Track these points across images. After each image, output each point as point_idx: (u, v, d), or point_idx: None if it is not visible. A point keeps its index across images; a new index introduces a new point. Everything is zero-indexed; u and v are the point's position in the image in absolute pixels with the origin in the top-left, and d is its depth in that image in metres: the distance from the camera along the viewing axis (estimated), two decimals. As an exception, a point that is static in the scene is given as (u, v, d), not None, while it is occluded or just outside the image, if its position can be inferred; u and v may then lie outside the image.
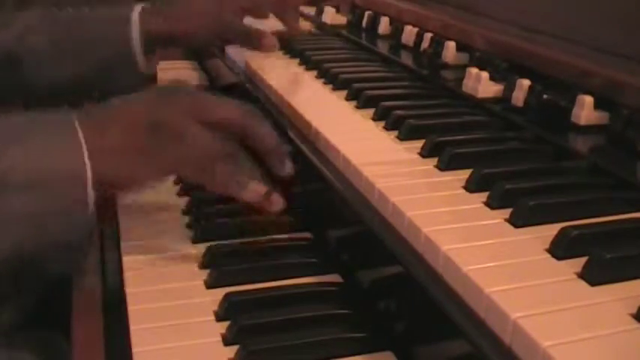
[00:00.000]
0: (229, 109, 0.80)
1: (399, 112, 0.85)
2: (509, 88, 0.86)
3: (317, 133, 0.84)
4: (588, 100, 0.76)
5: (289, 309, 0.71)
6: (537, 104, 0.81)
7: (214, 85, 1.39)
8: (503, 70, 0.90)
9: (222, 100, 0.81)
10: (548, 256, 0.56)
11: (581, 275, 0.53)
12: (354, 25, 1.36)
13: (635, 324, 0.48)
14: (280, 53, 1.20)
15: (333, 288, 0.77)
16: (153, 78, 1.20)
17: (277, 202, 0.80)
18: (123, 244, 0.83)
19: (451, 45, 1.03)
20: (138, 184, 0.81)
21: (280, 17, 1.24)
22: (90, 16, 1.20)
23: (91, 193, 0.74)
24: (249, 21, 1.20)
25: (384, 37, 1.26)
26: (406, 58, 1.12)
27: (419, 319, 0.66)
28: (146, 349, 0.66)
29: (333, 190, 0.77)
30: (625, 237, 0.58)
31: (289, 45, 1.21)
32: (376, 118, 0.87)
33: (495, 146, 0.77)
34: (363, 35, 1.30)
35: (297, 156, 0.86)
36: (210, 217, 0.89)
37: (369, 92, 0.93)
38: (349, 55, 1.19)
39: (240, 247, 0.83)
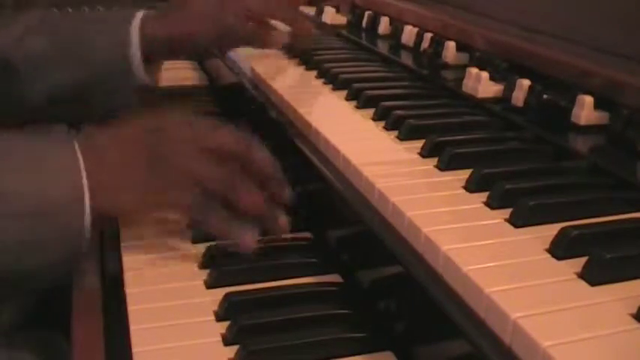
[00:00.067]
0: (228, 138, 0.81)
1: (399, 112, 0.85)
2: (509, 88, 0.86)
3: (317, 133, 0.84)
4: (588, 100, 0.76)
5: (289, 309, 0.71)
6: (537, 104, 0.81)
7: (214, 85, 1.39)
8: (503, 70, 0.90)
9: (220, 129, 0.83)
10: (548, 256, 0.56)
11: (581, 275, 0.53)
12: (354, 25, 1.36)
13: (635, 324, 0.48)
14: (280, 53, 1.20)
15: (333, 288, 0.77)
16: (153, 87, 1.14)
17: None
18: (123, 244, 0.83)
19: (451, 45, 1.03)
20: (135, 217, 0.82)
21: (287, 19, 1.19)
22: (90, 18, 1.18)
23: (87, 224, 0.74)
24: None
25: (384, 37, 1.25)
26: (406, 58, 1.12)
27: (419, 319, 0.66)
28: (146, 349, 0.66)
29: (333, 190, 0.77)
30: (625, 237, 0.58)
31: (290, 45, 1.20)
32: (376, 118, 0.87)
33: (495, 146, 0.77)
34: (363, 35, 1.30)
35: (297, 156, 0.86)
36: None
37: (369, 92, 0.93)
38: (349, 55, 1.19)
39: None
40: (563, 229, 0.57)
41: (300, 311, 0.71)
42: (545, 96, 0.81)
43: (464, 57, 1.02)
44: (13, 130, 0.83)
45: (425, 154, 0.76)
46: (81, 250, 0.75)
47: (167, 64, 1.33)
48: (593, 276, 0.52)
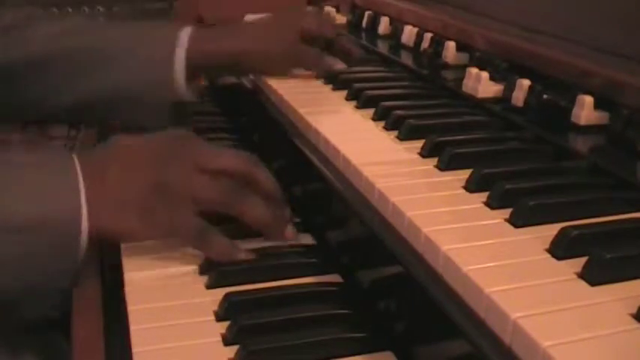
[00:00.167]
0: (230, 159, 0.81)
1: (399, 112, 0.85)
2: (509, 88, 0.86)
3: (317, 133, 0.84)
4: (588, 100, 0.76)
5: (289, 309, 0.71)
6: (537, 104, 0.81)
7: (214, 85, 1.39)
8: (503, 70, 0.90)
9: (222, 150, 0.84)
10: (548, 256, 0.56)
11: (581, 275, 0.53)
12: (354, 25, 1.36)
13: (635, 324, 0.48)
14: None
15: (333, 288, 0.77)
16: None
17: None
18: (123, 244, 0.83)
19: (451, 45, 1.03)
20: (136, 240, 0.80)
21: (336, 38, 1.14)
22: (137, 28, 1.12)
23: (84, 243, 0.74)
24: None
25: (384, 37, 1.26)
26: (406, 58, 1.12)
27: (419, 319, 0.66)
28: (146, 349, 0.66)
29: (333, 190, 0.77)
30: (625, 237, 0.58)
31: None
32: (376, 118, 0.87)
33: (495, 146, 0.77)
34: (363, 35, 1.30)
35: (297, 156, 0.86)
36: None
37: (369, 92, 0.93)
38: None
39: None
40: (563, 229, 0.57)
41: (300, 311, 0.71)
42: (545, 96, 0.81)
43: (464, 57, 1.02)
44: (12, 141, 0.83)
45: (425, 154, 0.76)
46: (74, 268, 0.75)
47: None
48: (593, 276, 0.52)
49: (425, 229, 0.60)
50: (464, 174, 0.69)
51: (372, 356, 0.66)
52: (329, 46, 1.12)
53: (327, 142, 0.80)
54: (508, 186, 0.64)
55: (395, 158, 0.76)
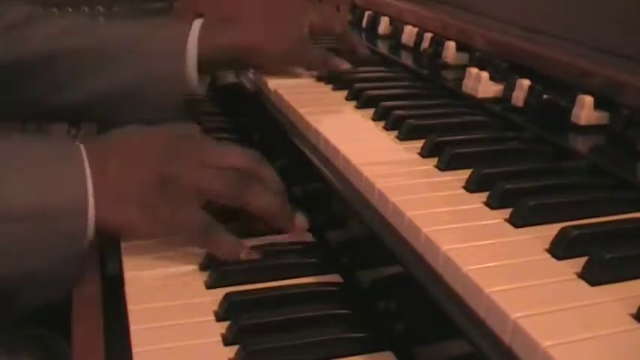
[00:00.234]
0: (236, 156, 0.81)
1: (399, 112, 0.85)
2: (509, 88, 0.86)
3: (317, 133, 0.84)
4: (588, 100, 0.76)
5: (289, 309, 0.71)
6: (537, 104, 0.81)
7: (214, 84, 1.39)
8: (503, 70, 0.90)
9: (228, 148, 0.83)
10: (548, 256, 0.55)
11: (581, 275, 0.53)
12: (354, 25, 1.36)
13: (635, 324, 0.48)
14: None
15: (333, 288, 0.77)
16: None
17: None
18: (123, 244, 0.83)
19: (451, 45, 1.03)
20: (138, 235, 0.80)
21: (342, 33, 1.15)
22: (147, 24, 1.13)
23: (90, 232, 0.74)
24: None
25: (384, 37, 1.26)
26: (406, 58, 1.12)
27: (419, 319, 0.66)
28: (146, 349, 0.66)
29: (333, 190, 0.77)
30: (625, 237, 0.58)
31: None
32: (376, 118, 0.87)
33: (495, 146, 0.77)
34: (363, 35, 1.30)
35: (297, 156, 0.86)
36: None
37: (369, 92, 0.93)
38: (349, 55, 1.18)
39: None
40: (563, 229, 0.57)
41: (300, 311, 0.71)
42: (545, 96, 0.81)
43: (464, 57, 1.02)
44: (17, 132, 0.82)
45: (425, 154, 0.76)
46: (79, 257, 0.75)
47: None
48: (593, 276, 0.52)
49: (425, 229, 0.60)
50: (464, 174, 0.69)
51: (372, 356, 0.66)
52: (338, 41, 1.12)
53: (327, 142, 0.80)
54: (508, 186, 0.64)
55: (395, 158, 0.76)
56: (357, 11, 1.37)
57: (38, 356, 0.85)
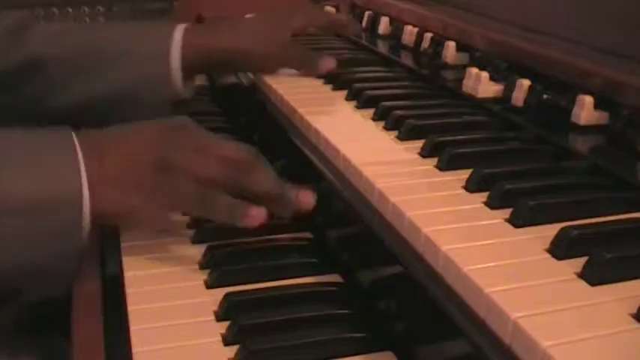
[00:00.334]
0: (231, 147, 0.80)
1: (399, 112, 0.85)
2: (509, 88, 0.86)
3: (317, 133, 0.84)
4: (588, 100, 0.76)
5: (289, 309, 0.71)
6: (537, 104, 0.81)
7: (214, 85, 1.39)
8: (503, 70, 0.90)
9: (224, 139, 0.83)
10: (548, 256, 0.56)
11: (581, 275, 0.53)
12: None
13: (635, 324, 0.48)
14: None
15: (333, 288, 0.77)
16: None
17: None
18: (123, 244, 0.83)
19: (451, 45, 1.03)
20: (136, 220, 0.79)
21: (333, 25, 1.16)
22: (131, 28, 1.13)
23: (86, 223, 0.73)
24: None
25: (384, 37, 1.26)
26: (406, 58, 1.12)
27: (419, 319, 0.66)
28: (146, 349, 0.66)
29: (333, 190, 0.77)
30: (625, 237, 0.58)
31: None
32: (376, 118, 0.87)
33: (495, 146, 0.77)
34: (363, 35, 1.30)
35: (297, 156, 0.86)
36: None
37: (369, 92, 0.93)
38: (349, 55, 1.19)
39: (240, 247, 0.82)
40: (563, 229, 0.57)
41: (300, 311, 0.71)
42: (545, 96, 0.81)
43: (464, 57, 1.02)
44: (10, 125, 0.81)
45: (425, 154, 0.76)
46: (78, 250, 0.75)
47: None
48: (593, 276, 0.52)
49: (425, 229, 0.60)
50: (464, 174, 0.69)
51: (372, 356, 0.66)
52: (327, 30, 1.14)
53: (327, 142, 0.80)
54: (508, 186, 0.64)
55: (395, 158, 0.76)
56: (357, 11, 1.37)
57: (38, 356, 0.85)
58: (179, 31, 1.03)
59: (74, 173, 0.73)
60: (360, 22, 1.33)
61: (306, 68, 1.07)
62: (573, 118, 0.77)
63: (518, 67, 0.88)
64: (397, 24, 1.21)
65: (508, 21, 1.00)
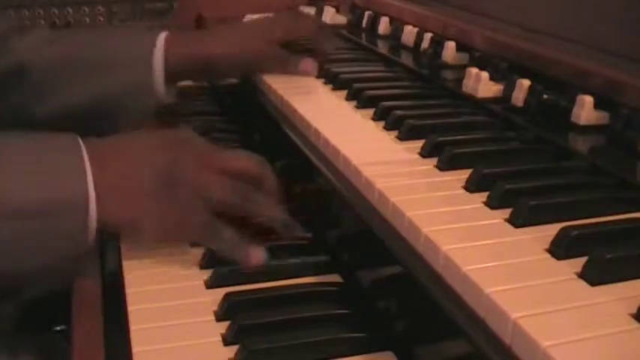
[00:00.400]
0: (239, 160, 0.82)
1: (399, 112, 0.85)
2: (509, 88, 0.86)
3: (317, 133, 0.84)
4: (588, 100, 0.76)
5: (289, 309, 0.71)
6: (537, 104, 0.81)
7: (214, 85, 1.39)
8: (503, 70, 0.90)
9: (232, 152, 0.85)
10: (548, 256, 0.56)
11: (581, 275, 0.53)
12: (354, 25, 1.36)
13: (635, 324, 0.47)
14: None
15: (333, 288, 0.77)
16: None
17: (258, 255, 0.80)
18: (123, 244, 0.83)
19: (451, 45, 1.03)
20: (138, 231, 0.79)
21: (311, 34, 1.16)
22: (114, 36, 1.14)
23: (92, 227, 0.74)
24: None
25: (384, 37, 1.25)
26: (406, 58, 1.12)
27: (419, 319, 0.66)
28: (146, 349, 0.66)
29: (334, 190, 0.77)
30: (625, 237, 0.58)
31: (290, 46, 1.20)
32: (376, 118, 0.87)
33: (495, 146, 0.77)
34: (363, 35, 1.29)
35: (296, 156, 0.86)
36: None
37: (369, 92, 0.93)
38: (349, 55, 1.19)
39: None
40: (563, 229, 0.57)
41: (300, 311, 0.71)
42: (545, 96, 0.81)
43: (464, 57, 1.02)
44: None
45: (425, 154, 0.76)
46: (83, 254, 0.75)
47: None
48: (593, 276, 0.52)
49: (425, 229, 0.60)
50: (464, 174, 0.69)
51: (372, 356, 0.66)
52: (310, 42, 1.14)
53: (327, 142, 0.80)
54: (508, 186, 0.64)
55: (395, 158, 0.76)
56: (357, 11, 1.37)
57: (38, 356, 0.85)
58: (161, 40, 1.04)
59: (80, 177, 0.74)
60: (360, 22, 1.33)
61: (286, 71, 1.08)
62: (573, 118, 0.77)
63: (518, 67, 0.88)
64: (397, 24, 1.21)
65: (508, 21, 1.00)
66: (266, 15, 1.20)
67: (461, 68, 0.96)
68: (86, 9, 1.90)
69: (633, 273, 0.52)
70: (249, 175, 0.80)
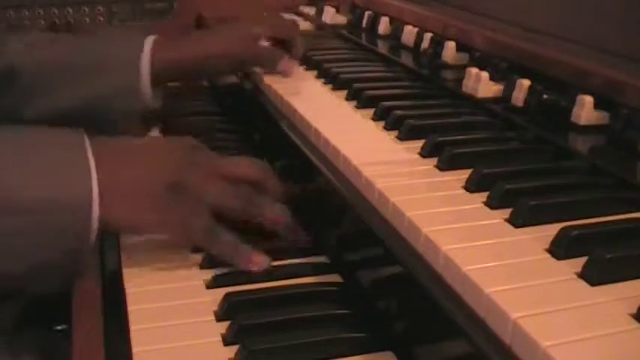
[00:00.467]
0: (245, 167, 0.83)
1: (399, 112, 0.85)
2: (509, 88, 0.86)
3: (317, 133, 0.84)
4: (588, 100, 0.76)
5: (289, 309, 0.71)
6: (537, 104, 0.81)
7: (214, 85, 1.39)
8: (503, 70, 0.90)
9: (238, 159, 0.86)
10: (548, 256, 0.56)
11: (581, 275, 0.53)
12: (354, 25, 1.36)
13: (635, 324, 0.47)
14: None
15: (333, 288, 0.77)
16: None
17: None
18: (123, 244, 0.83)
19: (451, 45, 1.03)
20: (141, 233, 0.81)
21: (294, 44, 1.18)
22: (102, 40, 1.15)
23: (94, 226, 0.74)
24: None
25: (384, 37, 1.26)
26: (406, 58, 1.12)
27: (419, 319, 0.66)
28: (146, 349, 0.66)
29: (333, 190, 0.77)
30: (625, 237, 0.58)
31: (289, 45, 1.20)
32: (376, 118, 0.87)
33: (495, 146, 0.77)
34: (363, 35, 1.30)
35: (296, 156, 0.86)
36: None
37: (369, 92, 0.93)
38: (349, 55, 1.19)
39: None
40: (563, 229, 0.57)
41: (300, 311, 0.71)
42: (545, 96, 0.81)
43: (464, 57, 1.02)
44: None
45: (425, 154, 0.76)
46: (86, 252, 0.75)
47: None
48: (593, 276, 0.52)
49: (425, 229, 0.60)
50: (464, 174, 0.69)
51: (372, 356, 0.66)
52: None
53: (327, 142, 0.80)
54: (508, 186, 0.64)
55: (395, 158, 0.76)
56: (357, 11, 1.37)
57: (38, 356, 0.85)
58: (149, 43, 1.05)
59: (85, 173, 0.74)
60: (360, 22, 1.33)
61: (266, 67, 1.10)
62: (573, 118, 0.77)
63: (518, 67, 0.88)
64: (397, 24, 1.21)
65: (508, 21, 1.00)
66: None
67: (461, 68, 0.96)
68: (86, 9, 1.91)
69: (633, 273, 0.52)
70: (252, 180, 0.82)
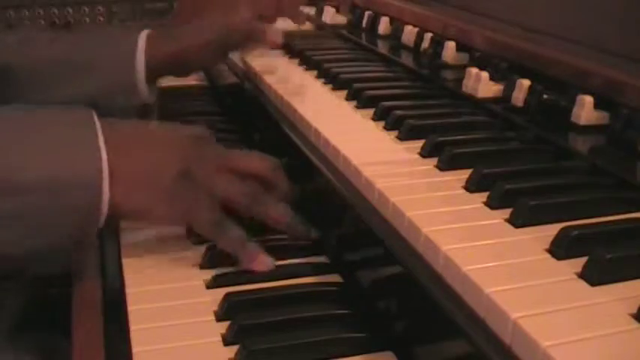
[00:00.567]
0: (254, 161, 0.83)
1: (399, 112, 0.85)
2: (509, 88, 0.86)
3: (317, 133, 0.84)
4: (588, 100, 0.76)
5: (289, 309, 0.71)
6: (537, 104, 0.81)
7: (214, 85, 1.39)
8: (503, 70, 0.90)
9: (248, 153, 0.86)
10: (548, 256, 0.56)
11: (581, 275, 0.53)
12: (354, 25, 1.36)
13: (635, 324, 0.47)
14: (280, 53, 1.20)
15: (333, 288, 0.77)
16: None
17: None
18: (123, 244, 0.83)
19: (451, 45, 1.03)
20: (148, 220, 0.81)
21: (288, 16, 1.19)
22: (96, 37, 1.15)
23: (104, 207, 0.73)
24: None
25: (384, 37, 1.26)
26: (406, 58, 1.12)
27: (419, 319, 0.66)
28: (146, 349, 0.66)
29: (333, 190, 0.77)
30: (625, 237, 0.58)
31: (289, 45, 1.20)
32: (376, 118, 0.87)
33: (495, 146, 0.77)
34: (363, 35, 1.30)
35: (296, 156, 0.86)
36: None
37: (369, 92, 0.93)
38: (349, 55, 1.19)
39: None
40: (563, 229, 0.57)
41: (300, 311, 0.71)
42: (545, 96, 0.81)
43: (464, 57, 1.02)
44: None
45: (425, 154, 0.76)
46: (89, 234, 0.75)
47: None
48: (593, 276, 0.52)
49: (425, 229, 0.60)
50: (464, 174, 0.69)
51: (372, 356, 0.66)
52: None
53: (327, 142, 0.80)
54: (508, 186, 0.64)
55: (395, 158, 0.76)
56: (357, 11, 1.37)
57: (38, 356, 0.85)
58: (142, 38, 1.05)
59: (94, 153, 0.73)
60: (360, 22, 1.33)
61: (255, 42, 1.09)
62: (573, 118, 0.77)
63: (518, 67, 0.88)
64: (397, 24, 1.21)
65: (508, 21, 1.00)
66: None
67: (461, 68, 0.96)
68: (86, 9, 1.90)
69: (633, 273, 0.52)
70: (261, 176, 0.81)
